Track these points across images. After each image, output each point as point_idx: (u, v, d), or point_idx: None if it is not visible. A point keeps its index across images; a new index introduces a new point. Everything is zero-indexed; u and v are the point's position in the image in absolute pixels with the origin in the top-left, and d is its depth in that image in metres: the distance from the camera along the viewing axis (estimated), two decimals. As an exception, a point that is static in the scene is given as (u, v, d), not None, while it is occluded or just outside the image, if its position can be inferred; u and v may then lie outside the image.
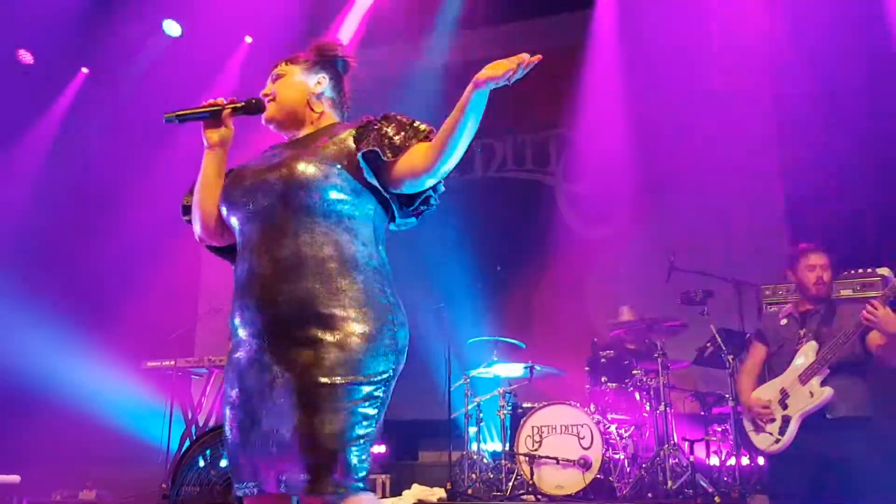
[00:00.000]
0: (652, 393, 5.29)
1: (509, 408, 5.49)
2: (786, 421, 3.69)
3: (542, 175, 7.90)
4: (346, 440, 1.86)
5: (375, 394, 1.93)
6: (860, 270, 4.50)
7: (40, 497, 6.13)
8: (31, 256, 7.30)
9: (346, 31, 8.07)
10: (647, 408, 5.34)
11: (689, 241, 6.39)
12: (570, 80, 7.48)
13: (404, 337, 2.05)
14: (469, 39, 7.88)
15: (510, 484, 5.11)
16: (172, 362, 6.02)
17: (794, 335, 3.84)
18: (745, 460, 4.94)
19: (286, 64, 2.30)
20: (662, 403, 5.13)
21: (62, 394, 6.75)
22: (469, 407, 5.76)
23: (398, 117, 2.15)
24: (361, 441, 1.88)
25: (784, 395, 3.73)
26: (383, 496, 5.55)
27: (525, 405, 5.45)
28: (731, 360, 5.02)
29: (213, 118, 2.19)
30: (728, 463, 5.10)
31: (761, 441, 3.80)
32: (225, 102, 2.20)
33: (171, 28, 7.82)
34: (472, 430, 5.78)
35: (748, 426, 3.89)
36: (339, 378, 1.88)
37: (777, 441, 3.70)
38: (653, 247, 6.43)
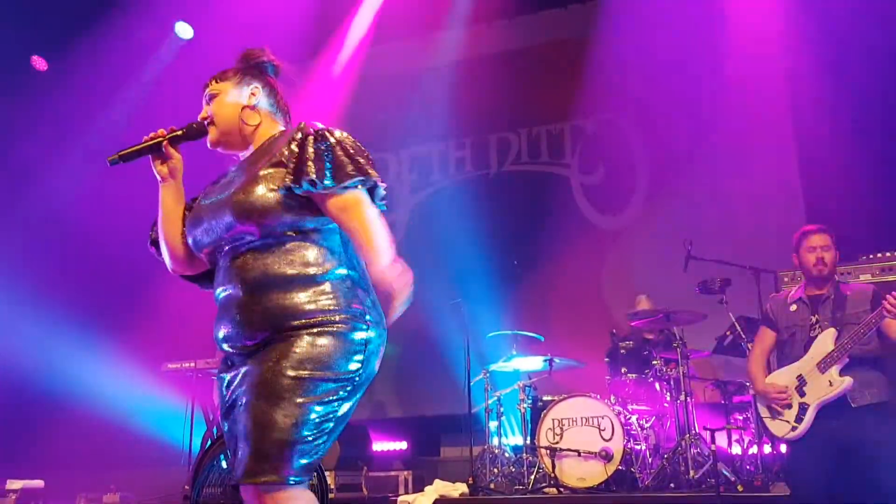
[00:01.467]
0: (672, 383, 5.26)
1: (529, 401, 5.48)
2: (803, 409, 3.65)
3: (557, 167, 7.87)
4: (297, 434, 1.91)
5: (339, 392, 1.98)
6: (878, 255, 4.45)
7: (65, 501, 6.19)
8: (51, 261, 7.38)
9: (358, 28, 8.08)
10: (668, 398, 5.32)
11: (706, 229, 6.34)
12: (583, 71, 7.44)
13: (375, 341, 2.08)
14: (482, 33, 7.86)
15: (532, 477, 5.10)
16: (192, 364, 6.06)
17: (806, 321, 3.79)
18: (767, 448, 4.90)
19: (216, 82, 2.28)
20: (683, 393, 5.10)
21: (84, 398, 6.82)
22: (489, 401, 5.75)
23: (337, 146, 2.09)
24: (312, 437, 1.94)
25: (801, 381, 3.69)
26: (405, 492, 5.56)
27: (545, 398, 5.43)
28: (750, 349, 4.98)
29: (156, 151, 2.20)
30: (750, 451, 5.07)
31: (778, 428, 3.76)
32: (165, 133, 2.21)
33: (184, 30, 7.85)
34: (493, 424, 5.77)
35: (764, 412, 3.84)
36: (305, 372, 1.94)
37: (794, 429, 3.66)
38: (670, 236, 6.38)
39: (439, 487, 5.02)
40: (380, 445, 7.07)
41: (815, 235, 3.85)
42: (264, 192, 2.04)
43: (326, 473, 3.99)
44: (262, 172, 2.08)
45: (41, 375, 6.73)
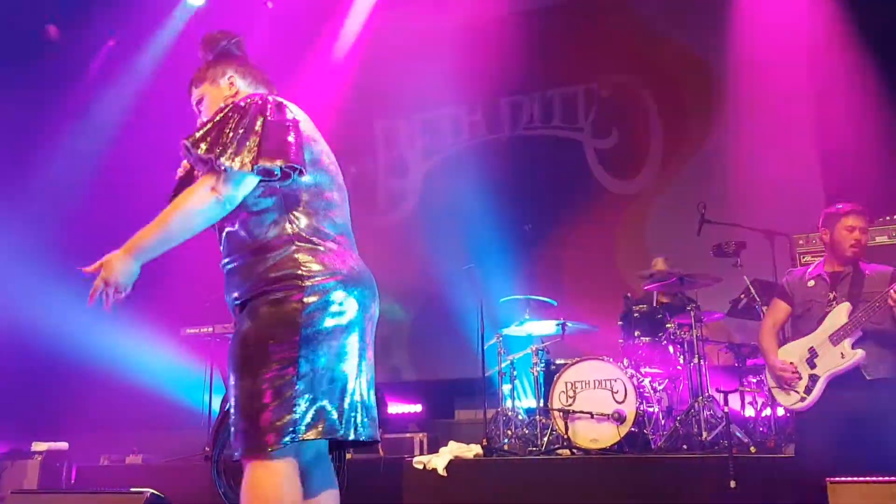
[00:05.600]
0: (685, 346, 5.28)
1: (542, 364, 5.53)
2: (813, 380, 3.66)
3: (570, 131, 7.82)
4: (257, 404, 2.01)
5: (288, 361, 2.04)
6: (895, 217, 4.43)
7: (88, 462, 6.33)
8: (70, 226, 7.45)
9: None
10: (681, 361, 5.34)
11: (720, 192, 6.31)
12: (597, 34, 7.37)
13: (319, 300, 2.11)
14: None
15: (545, 439, 5.16)
16: (210, 328, 6.14)
17: (824, 297, 3.78)
18: (780, 411, 4.93)
19: (195, 87, 2.40)
20: (696, 356, 5.13)
21: (107, 363, 6.94)
22: (503, 365, 5.80)
23: (226, 120, 2.15)
24: (276, 404, 2.01)
25: (812, 353, 3.69)
26: (421, 454, 5.64)
27: (558, 361, 5.47)
28: (764, 312, 4.99)
29: None
30: (763, 413, 5.10)
31: (786, 399, 3.78)
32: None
33: (194, -3, 7.82)
34: (507, 387, 5.83)
35: (771, 383, 3.86)
36: (251, 347, 2.05)
37: (802, 399, 3.68)
38: (683, 200, 6.36)
39: (454, 449, 5.09)
40: (395, 408, 7.17)
41: (854, 216, 3.80)
42: None
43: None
44: None
45: (65, 341, 6.84)
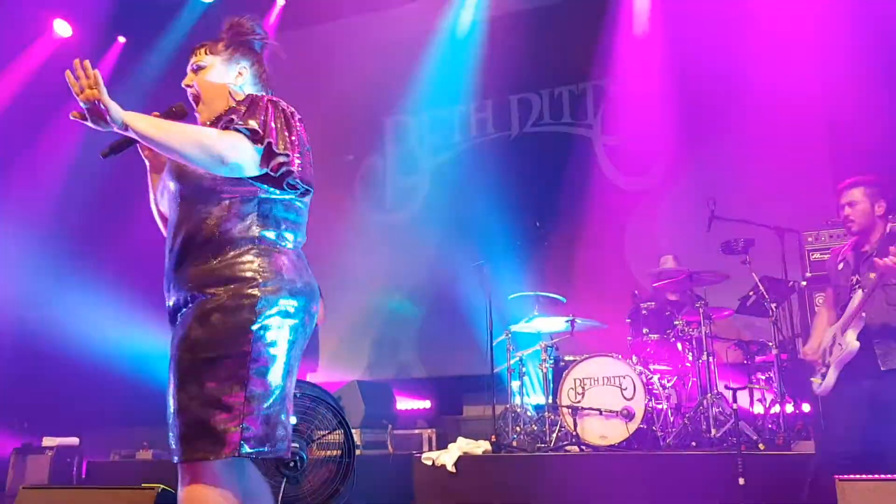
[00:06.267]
0: (694, 343, 5.28)
1: (551, 361, 5.53)
2: (828, 367, 3.67)
3: (579, 128, 7.81)
4: (208, 413, 1.95)
5: (239, 371, 1.97)
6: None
7: (99, 457, 6.37)
8: (80, 226, 7.50)
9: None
10: (690, 358, 5.34)
11: (730, 189, 6.28)
12: (606, 29, 7.36)
13: (274, 310, 2.05)
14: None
15: (554, 436, 5.17)
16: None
17: (848, 281, 3.75)
18: (789, 408, 4.93)
19: (206, 53, 2.30)
20: (705, 353, 5.12)
21: (118, 358, 6.98)
22: (511, 361, 5.81)
23: (242, 107, 2.16)
24: (227, 413, 1.95)
25: (834, 341, 3.70)
26: (429, 450, 5.66)
27: (567, 358, 5.48)
28: (773, 309, 4.99)
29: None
30: (772, 411, 5.09)
31: (814, 384, 3.78)
32: None
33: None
34: (515, 384, 5.84)
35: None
36: (201, 354, 1.98)
37: (819, 385, 3.70)
38: (692, 196, 6.34)
39: (462, 445, 5.10)
40: (404, 404, 7.19)
41: (843, 193, 3.78)
42: None
43: (353, 431, 4.08)
44: None
45: (76, 337, 6.89)
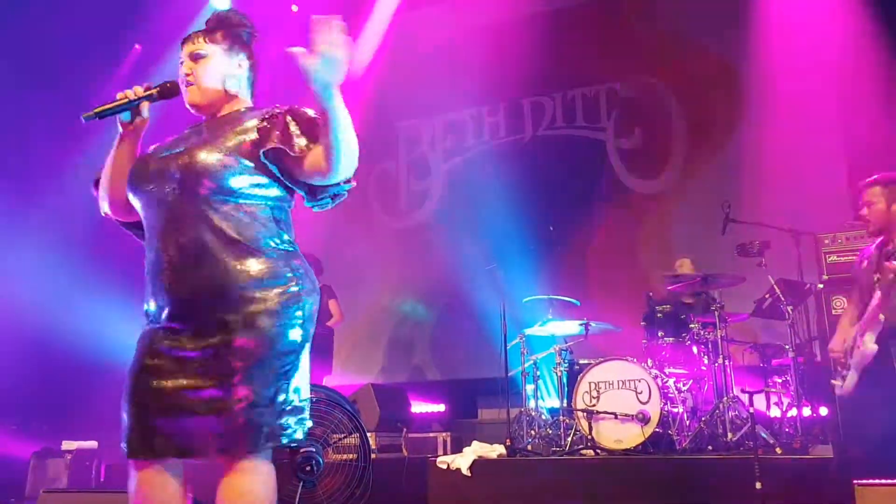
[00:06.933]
0: (710, 346, 5.25)
1: (566, 365, 5.52)
2: (848, 369, 3.66)
3: (592, 131, 7.80)
4: (255, 411, 1.98)
5: (285, 367, 2.05)
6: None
7: (118, 461, 6.41)
8: (97, 229, 7.55)
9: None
10: (706, 361, 5.31)
11: (745, 191, 6.26)
12: (619, 32, 7.35)
13: (311, 306, 2.14)
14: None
15: (569, 439, 5.16)
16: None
17: (871, 280, 3.73)
18: (806, 411, 4.90)
19: (206, 41, 2.26)
20: (721, 356, 5.10)
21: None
22: (526, 365, 5.80)
23: (304, 112, 2.14)
24: (279, 409, 2.02)
25: (855, 342, 3.68)
26: (444, 453, 5.67)
27: (582, 361, 5.46)
28: (790, 311, 4.96)
29: (130, 110, 2.21)
30: (789, 414, 5.06)
31: (836, 384, 3.77)
32: (141, 93, 2.22)
33: (220, 1, 7.90)
34: (530, 387, 5.83)
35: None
36: (252, 358, 2.00)
37: (840, 386, 3.69)
38: (707, 199, 6.32)
39: (477, 449, 5.10)
40: (419, 408, 7.19)
41: (865, 190, 3.78)
42: (218, 156, 2.10)
43: (368, 434, 4.10)
44: (224, 137, 2.14)
45: (95, 340, 6.94)
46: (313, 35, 1.91)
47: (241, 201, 2.10)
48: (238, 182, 2.09)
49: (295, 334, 2.07)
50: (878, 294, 3.58)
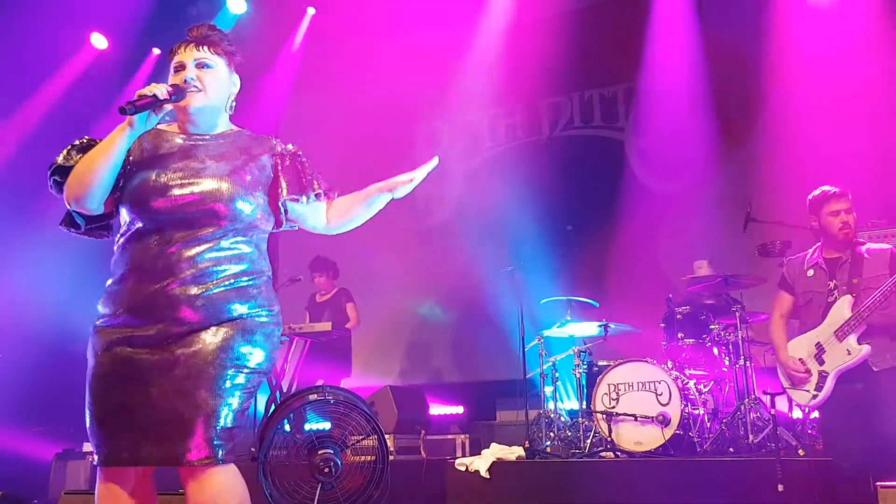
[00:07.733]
0: (731, 347, 5.21)
1: (585, 366, 5.49)
2: (823, 377, 3.66)
3: (610, 131, 7.77)
4: (234, 418, 2.09)
5: (255, 385, 2.18)
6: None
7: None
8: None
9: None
10: (727, 362, 5.27)
11: (766, 190, 6.20)
12: (637, 31, 7.31)
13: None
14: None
15: (588, 441, 5.13)
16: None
17: (824, 287, 3.74)
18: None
19: (212, 53, 2.24)
20: (742, 357, 5.05)
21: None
22: (544, 366, 5.78)
23: (308, 164, 2.33)
24: (243, 419, 2.14)
25: (820, 349, 3.67)
26: (463, 455, 5.65)
27: (601, 363, 5.44)
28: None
29: (157, 107, 2.11)
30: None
31: (799, 396, 3.81)
32: (166, 93, 2.10)
33: (236, 5, 7.95)
34: (549, 389, 5.81)
35: (784, 382, 3.88)
36: (243, 367, 2.11)
37: (815, 397, 3.69)
38: (727, 198, 6.28)
39: (496, 451, 5.08)
40: (437, 410, 7.19)
41: (836, 200, 3.79)
42: (242, 190, 2.20)
43: (387, 436, 4.09)
44: (241, 167, 2.21)
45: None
46: (422, 171, 2.50)
47: (252, 230, 2.22)
48: (253, 213, 2.20)
49: (273, 355, 2.23)
50: (846, 298, 3.60)
